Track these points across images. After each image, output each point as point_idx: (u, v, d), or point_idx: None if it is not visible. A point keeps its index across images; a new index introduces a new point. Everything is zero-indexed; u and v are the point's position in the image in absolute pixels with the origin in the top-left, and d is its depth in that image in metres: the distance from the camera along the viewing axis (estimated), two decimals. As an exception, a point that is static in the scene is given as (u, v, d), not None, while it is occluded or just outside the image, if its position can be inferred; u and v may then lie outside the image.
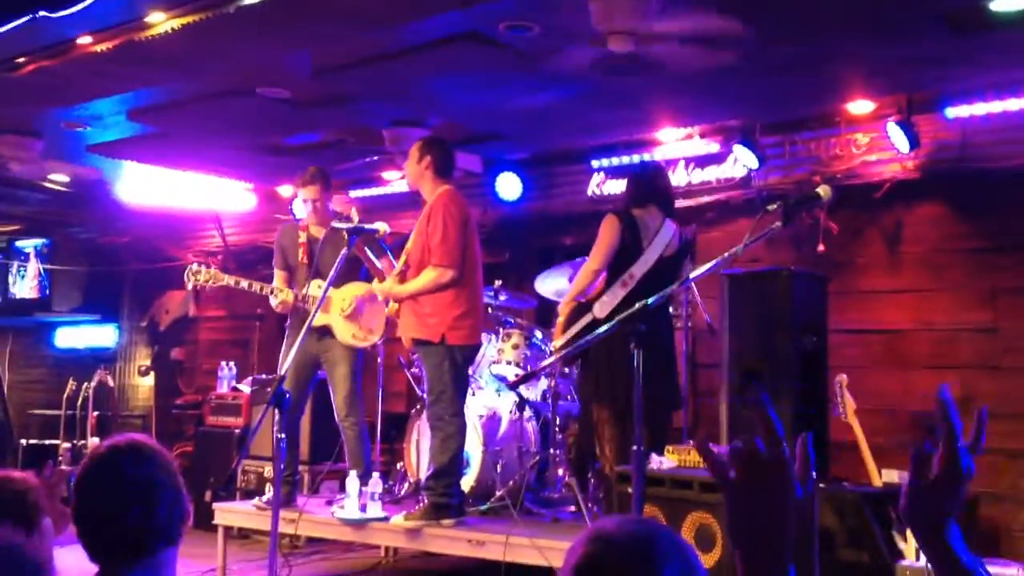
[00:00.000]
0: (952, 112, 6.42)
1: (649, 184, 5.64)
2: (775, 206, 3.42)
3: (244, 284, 6.29)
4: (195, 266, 6.37)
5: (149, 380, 11.15)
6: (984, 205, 6.46)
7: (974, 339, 6.44)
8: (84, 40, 5.39)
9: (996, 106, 6.24)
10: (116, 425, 9.58)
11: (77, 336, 11.78)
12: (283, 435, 3.85)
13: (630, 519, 1.48)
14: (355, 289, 6.27)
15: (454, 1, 4.73)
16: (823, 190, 3.53)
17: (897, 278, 6.76)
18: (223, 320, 10.60)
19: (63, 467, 7.10)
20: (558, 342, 5.54)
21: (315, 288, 6.06)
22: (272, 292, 6.22)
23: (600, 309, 5.35)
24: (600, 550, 1.42)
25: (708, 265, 3.58)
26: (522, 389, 6.35)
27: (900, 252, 6.76)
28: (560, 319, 5.56)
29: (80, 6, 4.76)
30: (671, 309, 6.27)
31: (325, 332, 6.24)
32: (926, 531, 1.57)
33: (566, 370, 6.23)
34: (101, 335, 11.57)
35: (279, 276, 6.39)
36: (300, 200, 6.39)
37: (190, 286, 6.41)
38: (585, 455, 5.74)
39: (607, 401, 5.32)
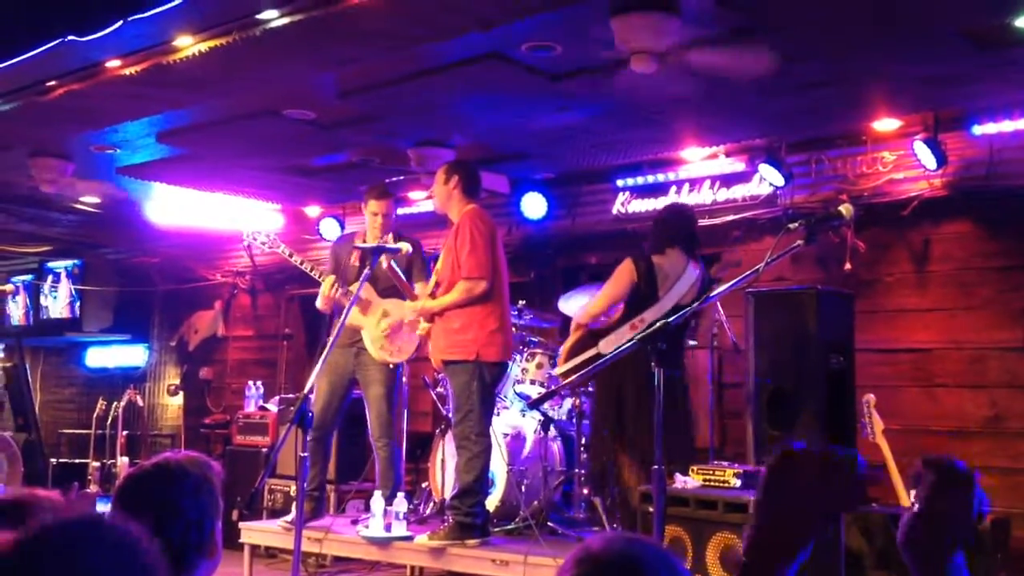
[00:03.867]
0: (979, 129, 6.38)
1: (672, 227, 5.62)
2: (797, 225, 3.41)
3: (296, 259, 6.43)
4: (257, 229, 6.48)
5: (178, 399, 11.23)
6: (1013, 223, 6.41)
7: (1003, 358, 6.37)
8: (113, 63, 5.46)
9: (1023, 123, 6.19)
10: (145, 444, 9.65)
11: (107, 356, 11.90)
12: (306, 454, 3.86)
13: (618, 537, 1.48)
14: (397, 306, 6.27)
15: (474, 23, 4.76)
16: (845, 209, 3.51)
17: (925, 297, 6.70)
18: (251, 340, 10.67)
19: (88, 489, 7.14)
20: (560, 369, 5.55)
21: (363, 290, 6.11)
22: (321, 275, 6.29)
23: (605, 346, 5.32)
24: (588, 571, 1.42)
25: (730, 283, 3.57)
26: (547, 408, 6.34)
27: (928, 270, 6.71)
28: (566, 345, 5.56)
29: (108, 30, 4.82)
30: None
31: (362, 347, 6.26)
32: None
33: (590, 389, 6.22)
34: (131, 355, 11.67)
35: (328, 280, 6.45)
36: (368, 212, 6.39)
37: (246, 243, 6.52)
38: (599, 476, 5.71)
39: (618, 428, 5.32)
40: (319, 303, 6.36)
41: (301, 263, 6.39)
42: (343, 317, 4.61)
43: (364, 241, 6.39)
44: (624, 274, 5.48)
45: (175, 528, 2.16)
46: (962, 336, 6.53)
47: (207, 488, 2.25)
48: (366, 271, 4.52)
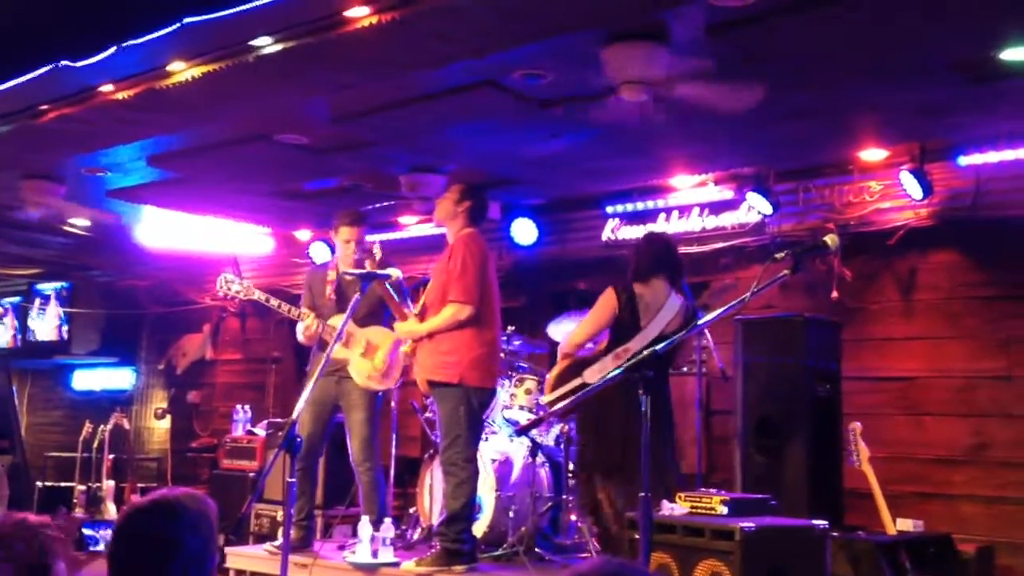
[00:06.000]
0: (965, 160, 6.44)
1: (654, 256, 5.49)
2: (783, 254, 3.44)
3: (274, 303, 6.35)
4: (229, 275, 6.42)
5: (165, 423, 11.18)
6: (998, 253, 6.46)
7: (989, 387, 6.40)
8: (106, 88, 5.48)
9: (1009, 154, 6.26)
10: (131, 468, 9.59)
11: (95, 379, 11.85)
12: (293, 479, 3.86)
13: (605, 561, 1.51)
14: (378, 333, 6.29)
15: (467, 51, 4.80)
16: (830, 239, 3.55)
17: (911, 325, 6.74)
18: (239, 363, 10.65)
19: (76, 514, 7.08)
20: (546, 398, 5.55)
21: (337, 320, 6.11)
22: (299, 316, 6.27)
23: (590, 375, 5.30)
24: None
25: (717, 312, 3.60)
26: (535, 434, 6.35)
27: (914, 299, 6.76)
28: (552, 374, 5.55)
29: (102, 56, 4.85)
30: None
31: (344, 375, 6.26)
32: None
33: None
34: (118, 378, 11.64)
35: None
36: (340, 240, 6.38)
37: (221, 293, 6.46)
38: (587, 504, 5.72)
39: (596, 463, 5.35)
40: (300, 338, 6.35)
41: (278, 306, 6.35)
42: (328, 352, 4.58)
43: (336, 271, 6.38)
44: (605, 304, 5.44)
45: (176, 564, 2.17)
46: (948, 365, 6.57)
47: (206, 524, 2.27)
48: (356, 297, 4.51)
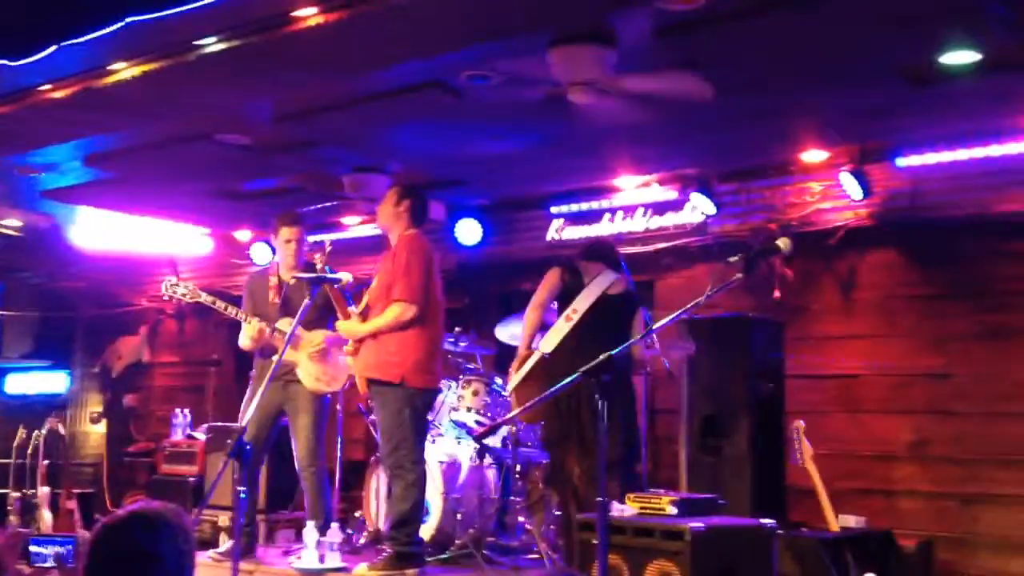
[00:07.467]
0: (903, 162, 6.55)
1: (595, 249, 6.02)
2: (736, 258, 3.48)
3: (220, 305, 6.19)
4: (173, 278, 6.32)
5: (101, 427, 10.97)
6: (935, 253, 6.58)
7: (927, 384, 6.52)
8: (43, 87, 5.35)
9: (946, 156, 6.36)
10: (67, 473, 9.39)
11: (28, 382, 11.57)
12: (244, 488, 3.80)
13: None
14: (325, 335, 6.19)
15: (415, 51, 4.77)
16: (783, 242, 3.59)
17: (851, 324, 6.84)
18: (177, 366, 10.48)
19: (20, 528, 6.84)
20: (511, 384, 5.63)
21: (285, 324, 6.00)
22: (245, 318, 6.13)
23: (546, 344, 5.47)
24: None
25: (670, 316, 3.62)
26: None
27: (854, 298, 6.86)
28: (513, 366, 5.66)
29: (41, 55, 4.73)
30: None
31: (291, 380, 6.14)
32: None
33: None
34: (52, 381, 11.37)
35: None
36: (281, 240, 6.25)
37: (166, 297, 6.34)
38: (546, 498, 5.75)
39: (574, 444, 5.38)
40: (245, 344, 6.22)
41: (225, 309, 6.22)
42: (279, 357, 4.54)
43: (278, 275, 6.27)
44: (551, 273, 5.81)
45: None
46: (887, 363, 6.68)
47: (184, 536, 2.23)
48: (306, 302, 4.46)
